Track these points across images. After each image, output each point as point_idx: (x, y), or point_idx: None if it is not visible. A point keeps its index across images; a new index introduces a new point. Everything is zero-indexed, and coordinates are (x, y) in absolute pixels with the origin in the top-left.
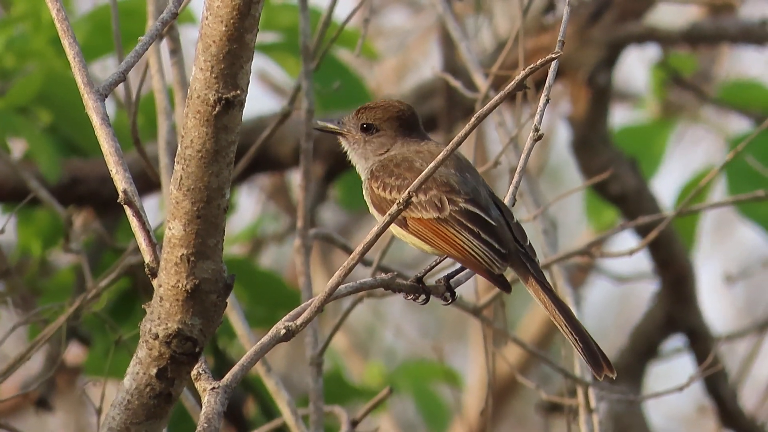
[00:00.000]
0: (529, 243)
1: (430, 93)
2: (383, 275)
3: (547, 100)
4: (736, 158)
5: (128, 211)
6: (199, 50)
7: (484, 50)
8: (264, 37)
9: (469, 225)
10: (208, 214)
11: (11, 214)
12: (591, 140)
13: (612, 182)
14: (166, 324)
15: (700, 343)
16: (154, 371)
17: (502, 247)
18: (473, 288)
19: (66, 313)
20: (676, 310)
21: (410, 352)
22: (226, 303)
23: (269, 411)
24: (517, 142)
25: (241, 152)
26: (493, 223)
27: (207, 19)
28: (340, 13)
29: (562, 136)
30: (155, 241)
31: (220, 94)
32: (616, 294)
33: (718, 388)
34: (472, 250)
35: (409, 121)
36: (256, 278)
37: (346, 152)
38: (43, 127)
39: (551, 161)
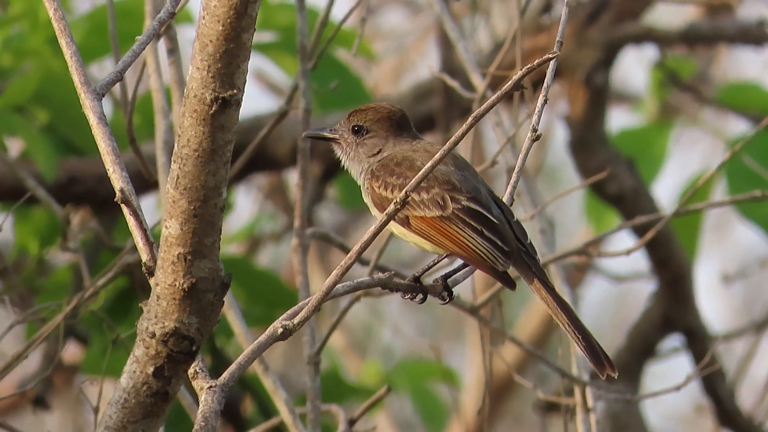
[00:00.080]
0: (530, 241)
1: (427, 93)
2: (380, 274)
3: (545, 101)
4: (737, 160)
5: (125, 210)
6: (196, 49)
7: (481, 50)
8: (261, 36)
9: (472, 223)
10: (205, 213)
11: (8, 212)
12: (588, 140)
13: (609, 182)
14: (163, 323)
15: (698, 342)
16: (151, 370)
17: (505, 244)
18: (470, 287)
19: (63, 312)
20: (673, 309)
21: (408, 351)
22: (223, 302)
23: (266, 410)
24: (514, 141)
25: (238, 151)
26: (496, 221)
27: (204, 18)
28: (338, 12)
29: (560, 136)
30: (152, 239)
31: (216, 94)
32: (614, 293)
33: (716, 388)
34: (477, 247)
35: (400, 121)
36: (254, 277)
37: (340, 159)
38: (41, 126)
39: (549, 161)
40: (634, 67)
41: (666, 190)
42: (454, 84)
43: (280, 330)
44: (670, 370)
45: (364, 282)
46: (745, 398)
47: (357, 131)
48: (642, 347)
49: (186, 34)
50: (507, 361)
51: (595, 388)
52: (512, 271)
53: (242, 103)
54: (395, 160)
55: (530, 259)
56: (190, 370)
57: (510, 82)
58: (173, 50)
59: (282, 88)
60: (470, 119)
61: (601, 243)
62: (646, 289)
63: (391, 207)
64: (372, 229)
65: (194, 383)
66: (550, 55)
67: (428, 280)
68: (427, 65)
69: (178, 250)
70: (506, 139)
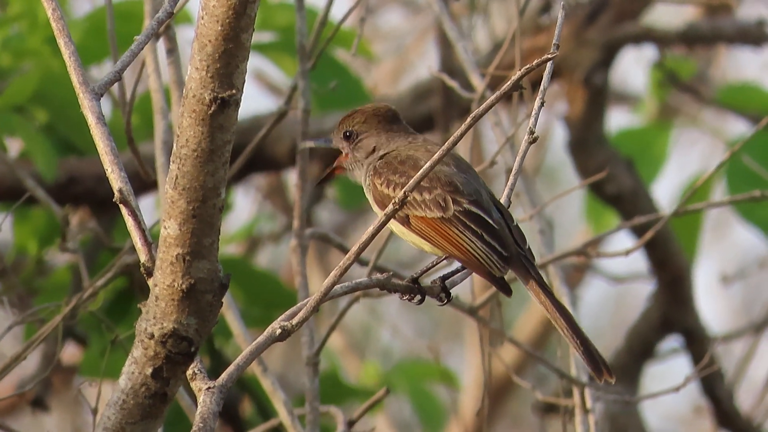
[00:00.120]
0: (529, 246)
1: (427, 93)
2: (379, 275)
3: (542, 103)
4: (736, 161)
5: (124, 211)
6: (195, 49)
7: (480, 50)
8: (260, 36)
9: (472, 226)
10: (204, 214)
11: (8, 213)
12: (587, 141)
13: (608, 182)
14: (162, 323)
15: (697, 343)
16: (149, 371)
17: (504, 249)
18: (469, 288)
19: (62, 313)
20: (672, 310)
21: (406, 352)
22: (222, 303)
23: (265, 411)
24: (513, 142)
25: (237, 152)
26: (495, 226)
27: (203, 18)
28: (337, 12)
29: (559, 136)
30: (151, 240)
31: (215, 94)
32: (613, 294)
33: (715, 389)
34: (475, 251)
35: (387, 115)
36: (252, 278)
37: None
38: (40, 126)
39: (547, 161)
40: (634, 68)
41: (665, 191)
42: (453, 84)
43: (279, 331)
44: (669, 371)
45: (363, 283)
46: (744, 399)
47: (348, 137)
48: (641, 348)
49: (185, 35)
50: (506, 362)
51: (594, 389)
52: (509, 276)
53: (241, 104)
54: (399, 158)
55: (529, 263)
56: (189, 371)
57: (509, 83)
58: (172, 50)
59: (281, 89)
60: (469, 119)
61: (600, 243)
62: (645, 289)
63: (390, 207)
64: (370, 229)
65: (193, 384)
66: (549, 56)
67: (427, 281)
68: (426, 65)
69: (177, 251)
70: (505, 139)
